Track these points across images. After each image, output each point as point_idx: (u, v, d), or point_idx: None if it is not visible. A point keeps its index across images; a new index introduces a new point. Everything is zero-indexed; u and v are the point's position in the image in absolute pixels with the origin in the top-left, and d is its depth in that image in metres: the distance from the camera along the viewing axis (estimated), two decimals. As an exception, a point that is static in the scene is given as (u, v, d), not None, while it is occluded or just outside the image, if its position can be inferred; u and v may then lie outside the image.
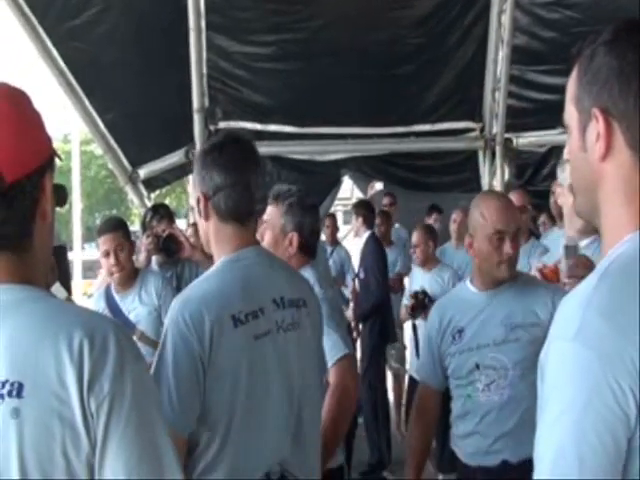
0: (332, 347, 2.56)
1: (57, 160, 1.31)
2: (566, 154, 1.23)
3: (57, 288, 1.50)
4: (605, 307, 1.03)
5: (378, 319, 5.82)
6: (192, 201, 2.16)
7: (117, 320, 3.74)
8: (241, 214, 2.07)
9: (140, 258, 4.36)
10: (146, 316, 3.74)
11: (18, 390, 1.10)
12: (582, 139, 1.16)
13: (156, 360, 1.94)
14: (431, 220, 6.86)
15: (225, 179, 2.04)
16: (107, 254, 3.74)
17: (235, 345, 1.96)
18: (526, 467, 1.95)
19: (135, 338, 3.67)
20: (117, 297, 3.83)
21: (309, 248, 2.83)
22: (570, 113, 1.18)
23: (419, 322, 5.32)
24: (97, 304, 3.85)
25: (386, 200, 7.39)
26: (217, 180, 2.04)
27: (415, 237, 5.42)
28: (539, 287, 2.71)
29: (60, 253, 1.57)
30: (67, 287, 1.50)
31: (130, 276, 3.83)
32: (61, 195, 1.34)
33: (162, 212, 4.82)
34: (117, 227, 3.87)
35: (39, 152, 1.24)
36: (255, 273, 2.08)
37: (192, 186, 2.15)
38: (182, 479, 1.15)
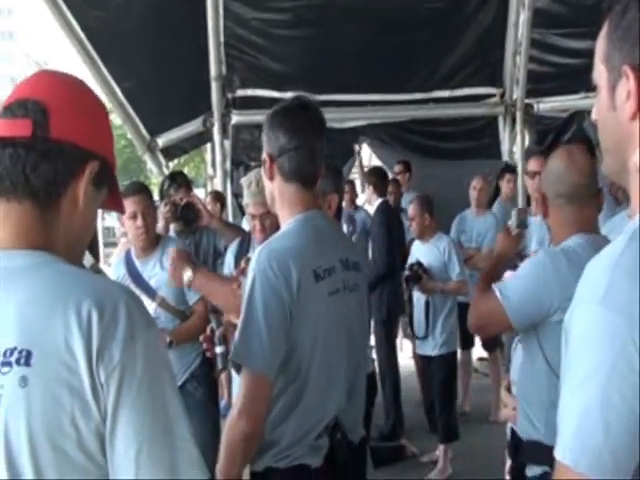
0: None
1: (110, 183, 1.33)
2: (594, 114, 1.19)
3: (85, 255, 1.51)
4: (634, 269, 1.01)
5: (385, 289, 5.83)
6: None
7: (132, 287, 3.76)
8: (304, 176, 2.15)
9: (158, 226, 4.37)
10: (167, 282, 3.72)
11: (26, 358, 1.08)
12: (612, 98, 1.12)
13: (245, 307, 2.01)
14: (504, 182, 6.61)
15: (290, 141, 2.11)
16: (134, 216, 3.72)
17: (316, 298, 2.05)
18: None
19: (155, 304, 3.69)
20: (138, 263, 3.82)
21: (340, 211, 2.91)
22: (599, 71, 1.14)
23: (417, 295, 5.38)
24: (117, 270, 3.86)
25: (397, 168, 7.32)
26: (282, 142, 2.12)
27: (411, 210, 5.39)
28: None
29: None
30: (95, 254, 1.51)
31: (152, 242, 3.83)
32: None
33: (180, 180, 4.83)
34: (144, 190, 3.86)
35: (95, 141, 1.27)
36: (325, 233, 2.18)
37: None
38: (193, 447, 1.14)
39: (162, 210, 4.50)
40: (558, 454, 1.06)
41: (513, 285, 2.40)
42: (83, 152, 1.24)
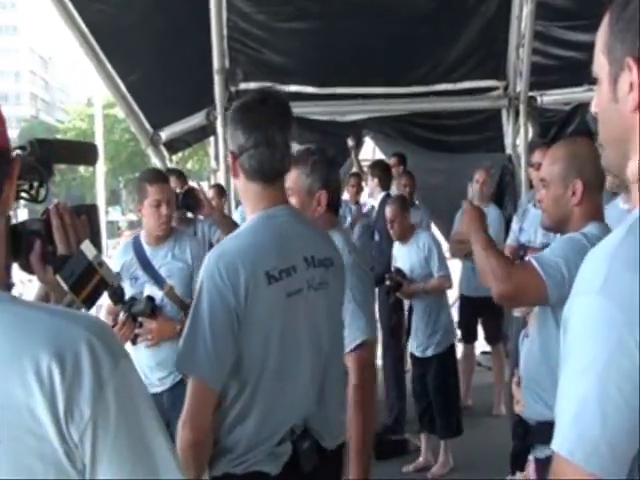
0: (355, 329, 2.55)
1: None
2: (594, 107, 1.19)
3: (87, 245, 1.50)
4: (632, 261, 1.01)
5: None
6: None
7: (139, 274, 3.74)
8: (266, 174, 2.09)
9: None
10: (177, 271, 3.69)
11: None
12: (613, 90, 1.11)
13: (192, 313, 1.97)
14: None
15: (248, 139, 2.06)
16: (159, 204, 3.67)
17: (268, 301, 2.00)
18: None
19: (162, 293, 3.68)
20: (148, 249, 3.78)
21: (335, 205, 2.80)
22: (600, 63, 1.14)
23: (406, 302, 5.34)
24: (124, 255, 3.82)
25: (393, 160, 7.25)
26: (241, 140, 2.07)
27: (390, 212, 5.24)
28: None
29: (92, 211, 1.58)
30: (98, 245, 1.51)
31: (168, 231, 3.80)
32: (92, 153, 1.35)
33: (176, 173, 4.85)
34: (167, 178, 3.84)
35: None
36: (287, 231, 2.11)
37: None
38: (178, 471, 1.07)
39: None
40: (555, 445, 1.07)
41: (554, 263, 2.33)
42: (6, 156, 1.10)
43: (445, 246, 5.68)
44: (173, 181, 4.65)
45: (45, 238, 1.50)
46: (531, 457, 2.54)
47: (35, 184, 1.44)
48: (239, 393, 2.01)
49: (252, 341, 1.99)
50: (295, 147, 2.84)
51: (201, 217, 4.85)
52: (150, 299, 3.63)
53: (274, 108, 2.10)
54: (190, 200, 4.26)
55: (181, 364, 2.01)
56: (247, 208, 2.16)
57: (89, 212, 1.59)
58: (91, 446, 0.99)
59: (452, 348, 5.31)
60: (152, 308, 3.61)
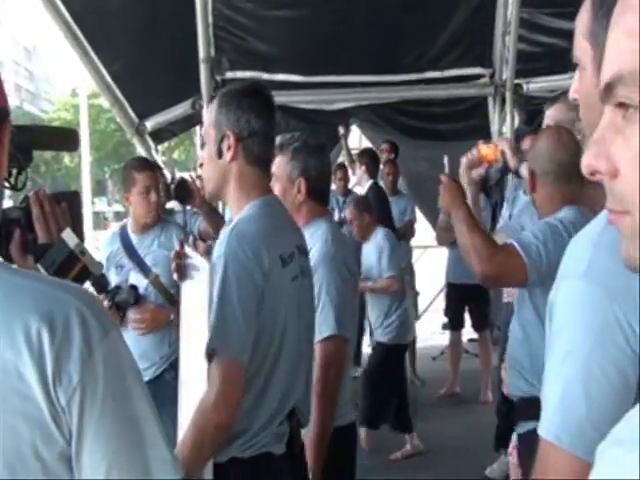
0: (323, 323, 2.55)
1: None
2: (573, 92, 1.18)
3: (68, 234, 1.48)
4: (615, 245, 1.01)
5: None
6: (208, 138, 2.15)
7: (125, 262, 3.74)
8: (265, 161, 2.16)
9: None
10: (163, 259, 3.67)
11: None
12: (598, 76, 1.11)
13: (219, 292, 1.95)
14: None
15: (262, 125, 2.10)
16: (148, 191, 3.69)
17: (282, 284, 2.05)
18: None
19: (148, 280, 3.68)
20: (134, 238, 3.80)
21: (319, 193, 2.75)
22: (582, 49, 1.13)
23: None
24: (111, 245, 3.83)
25: (385, 147, 7.24)
26: (254, 124, 2.09)
27: (348, 213, 5.25)
28: None
29: (73, 198, 1.55)
30: (79, 233, 1.48)
31: (156, 218, 3.81)
32: (73, 139, 1.33)
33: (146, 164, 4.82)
34: (154, 166, 3.85)
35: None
36: (282, 219, 2.19)
37: (212, 123, 2.14)
38: (166, 450, 1.08)
39: None
40: (542, 431, 1.07)
41: (534, 245, 2.39)
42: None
43: (432, 234, 5.69)
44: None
45: (25, 226, 1.48)
46: (514, 436, 2.60)
47: (14, 172, 1.42)
48: (256, 372, 2.01)
49: (272, 320, 2.02)
50: (280, 136, 2.83)
51: (188, 207, 4.84)
52: (133, 288, 3.64)
53: (268, 98, 2.16)
54: (183, 191, 4.26)
55: (213, 341, 1.95)
56: (239, 192, 2.12)
57: (70, 199, 1.57)
58: (78, 412, 1.00)
59: (400, 348, 5.29)
60: (136, 297, 3.62)
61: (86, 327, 1.01)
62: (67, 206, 1.53)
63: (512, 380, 2.52)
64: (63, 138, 1.57)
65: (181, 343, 2.40)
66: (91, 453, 1.01)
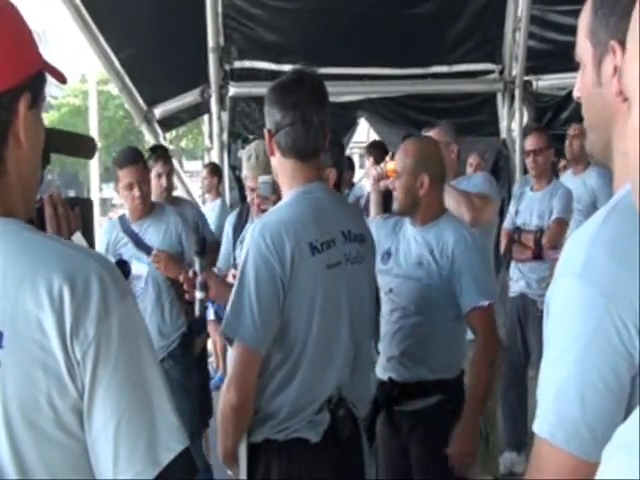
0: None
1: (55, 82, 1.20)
2: (577, 91, 1.19)
3: (78, 237, 1.50)
4: (611, 244, 1.02)
5: None
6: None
7: (131, 248, 3.79)
8: (300, 151, 2.17)
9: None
10: (160, 240, 3.82)
11: None
12: (597, 74, 1.12)
13: (238, 280, 2.04)
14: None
15: (284, 117, 2.13)
16: (131, 187, 3.76)
17: (312, 271, 2.08)
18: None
19: (150, 259, 3.74)
20: (133, 226, 3.88)
21: (338, 187, 2.94)
22: (584, 47, 1.14)
23: None
24: (109, 233, 3.89)
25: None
26: (277, 118, 2.14)
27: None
28: None
29: (86, 206, 1.58)
30: (90, 240, 1.50)
31: (148, 209, 3.89)
32: (90, 147, 1.34)
33: (159, 153, 4.85)
34: (138, 159, 3.87)
35: (11, 72, 1.11)
36: (325, 206, 2.19)
37: None
38: (174, 417, 1.12)
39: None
40: (536, 427, 1.07)
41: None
42: (9, 95, 1.10)
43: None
44: (160, 166, 4.63)
45: (37, 227, 1.49)
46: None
47: None
48: (283, 361, 2.09)
49: (298, 309, 2.06)
50: None
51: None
52: (123, 262, 3.71)
53: (310, 88, 2.17)
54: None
55: (227, 328, 2.06)
56: (283, 184, 2.23)
57: (83, 206, 1.58)
58: (92, 366, 1.05)
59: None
60: (127, 272, 3.70)
61: (105, 289, 1.07)
62: (80, 212, 1.54)
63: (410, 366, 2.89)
64: (81, 145, 1.57)
65: None
66: (102, 409, 1.06)
